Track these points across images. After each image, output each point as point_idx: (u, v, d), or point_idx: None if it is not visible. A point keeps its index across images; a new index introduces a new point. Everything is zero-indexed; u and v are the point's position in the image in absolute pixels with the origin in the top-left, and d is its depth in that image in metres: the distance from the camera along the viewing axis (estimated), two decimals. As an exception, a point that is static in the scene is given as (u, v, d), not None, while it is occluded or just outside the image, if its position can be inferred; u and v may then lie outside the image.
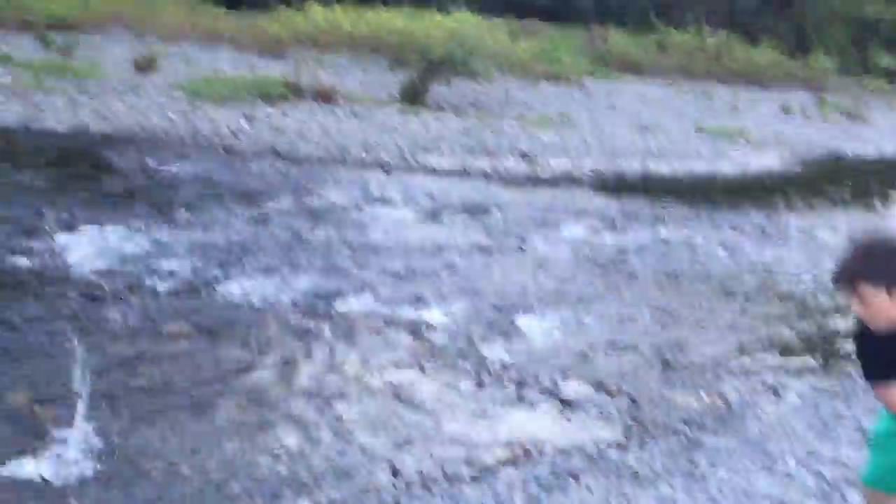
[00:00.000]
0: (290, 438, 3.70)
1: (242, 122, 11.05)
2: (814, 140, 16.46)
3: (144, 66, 13.55)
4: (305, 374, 4.39)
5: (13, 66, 12.50)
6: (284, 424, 3.83)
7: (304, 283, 5.76)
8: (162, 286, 5.43)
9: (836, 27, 30.26)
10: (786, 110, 19.90)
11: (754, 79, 23.82)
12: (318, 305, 5.39)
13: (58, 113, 10.61)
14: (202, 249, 6.23)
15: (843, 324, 5.87)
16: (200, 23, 17.62)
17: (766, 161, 13.75)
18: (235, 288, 5.53)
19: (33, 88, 11.40)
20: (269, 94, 12.55)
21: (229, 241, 6.52)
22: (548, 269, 6.73)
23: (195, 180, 8.42)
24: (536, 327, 5.40)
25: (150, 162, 8.95)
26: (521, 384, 4.42)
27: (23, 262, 5.63)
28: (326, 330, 5.00)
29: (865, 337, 2.29)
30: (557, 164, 11.52)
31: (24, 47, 14.60)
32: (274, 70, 14.67)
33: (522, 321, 5.47)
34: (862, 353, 2.34)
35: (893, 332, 2.21)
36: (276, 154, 9.99)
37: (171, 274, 5.67)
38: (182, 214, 7.12)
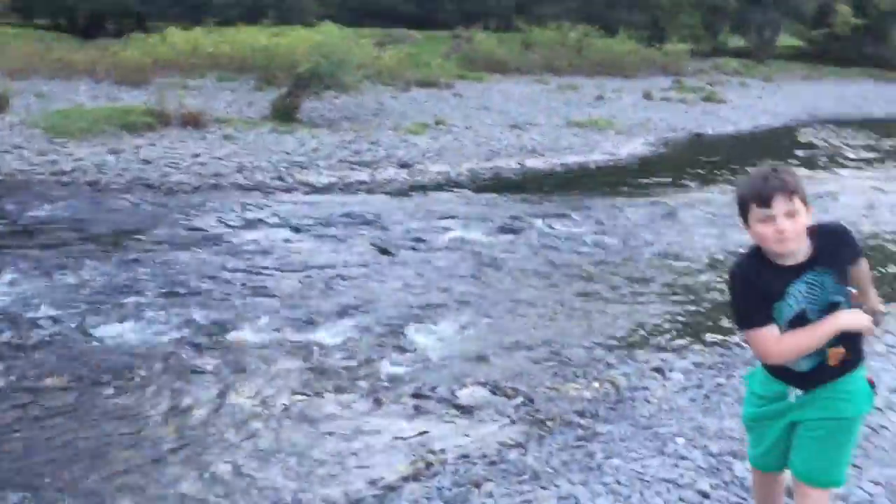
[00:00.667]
0: (186, 482, 3.59)
1: (107, 155, 10.62)
2: (676, 123, 17.22)
3: (-6, 105, 12.82)
4: (196, 412, 4.26)
5: None
6: (179, 467, 3.71)
7: (186, 318, 5.58)
8: (36, 338, 5.15)
9: (687, 13, 31.79)
10: (647, 96, 20.76)
11: (616, 69, 24.78)
12: (204, 340, 5.24)
13: None
14: (75, 295, 5.95)
15: (722, 300, 6.17)
16: (52, 55, 16.84)
17: (634, 147, 14.28)
18: (114, 331, 5.31)
19: None
20: (133, 125, 12.10)
21: (104, 282, 6.25)
22: (435, 277, 6.77)
23: (61, 222, 8.02)
24: (429, 337, 5.43)
25: (11, 207, 8.48)
26: (417, 396, 4.44)
27: None
28: (214, 364, 4.87)
29: (748, 277, 2.33)
30: (436, 169, 11.61)
31: None
32: (136, 99, 14.20)
33: (415, 332, 5.49)
34: (742, 296, 2.36)
35: (785, 265, 2.29)
36: (147, 186, 9.64)
37: (44, 324, 5.39)
38: (50, 260, 6.78)
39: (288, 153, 11.70)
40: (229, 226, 8.24)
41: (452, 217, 8.90)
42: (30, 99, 13.76)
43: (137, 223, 8.12)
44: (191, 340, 5.21)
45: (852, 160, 14.00)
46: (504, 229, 8.45)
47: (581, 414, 4.23)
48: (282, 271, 6.82)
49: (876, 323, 2.43)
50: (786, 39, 39.02)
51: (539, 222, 8.75)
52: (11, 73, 15.19)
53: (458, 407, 4.32)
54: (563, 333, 5.53)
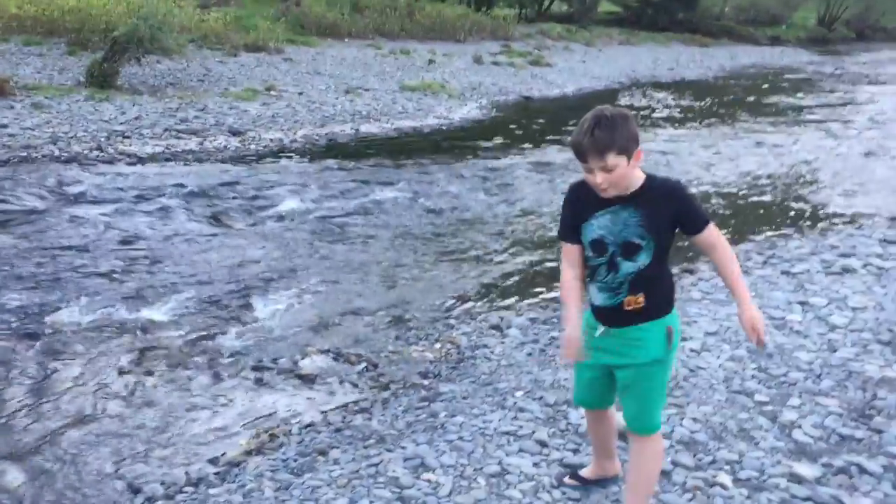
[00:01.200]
0: (10, 476, 3.34)
1: None
2: (505, 86, 17.63)
3: None
4: (14, 402, 3.97)
5: None
6: (5, 462, 3.45)
7: (4, 301, 5.17)
8: None
9: (513, -21, 32.36)
10: (478, 61, 21.08)
11: (447, 33, 24.97)
12: (20, 324, 4.87)
13: None
14: None
15: (555, 256, 6.41)
16: None
17: (468, 110, 14.50)
18: (-84, 322, 4.84)
19: None
20: (-74, 93, 10.97)
21: None
22: (272, 246, 6.63)
23: None
24: (268, 308, 5.32)
25: None
26: (258, 368, 4.35)
27: None
28: (33, 349, 4.55)
29: (571, 196, 2.57)
30: (269, 136, 11.30)
31: None
32: (-72, 64, 12.87)
33: (252, 304, 5.36)
34: (562, 211, 2.60)
35: (583, 195, 2.49)
36: (-54, 160, 8.79)
37: None
38: None
39: (107, 122, 11.00)
40: (44, 201, 7.68)
41: (287, 185, 8.71)
42: None
43: (-63, 201, 7.40)
44: (9, 325, 4.83)
45: (666, 118, 14.89)
46: (340, 196, 8.38)
47: (424, 375, 4.29)
48: (105, 248, 6.44)
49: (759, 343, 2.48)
50: (606, 6, 40.74)
51: (375, 188, 8.74)
52: None
53: (301, 377, 4.27)
54: (403, 297, 5.57)
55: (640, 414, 2.59)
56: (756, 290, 5.34)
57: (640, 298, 2.48)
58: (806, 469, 3.08)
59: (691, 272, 5.96)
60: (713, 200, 8.67)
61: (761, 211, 8.31)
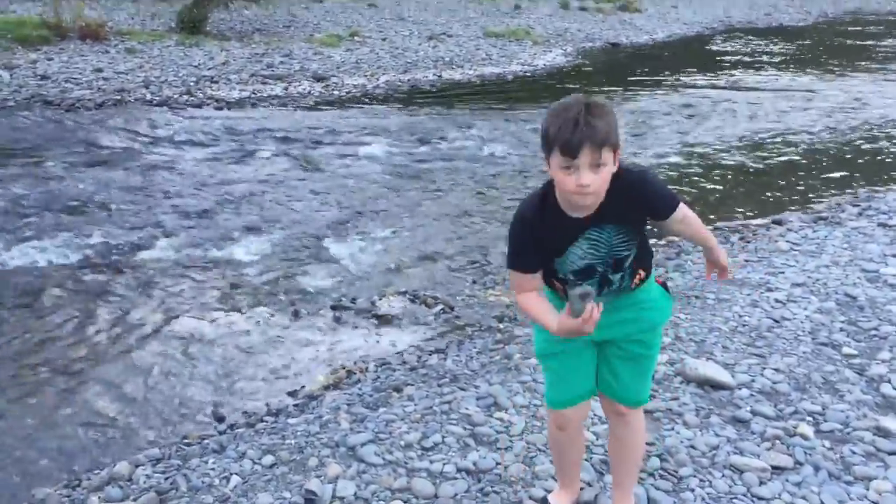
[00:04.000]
0: (101, 402, 3.52)
1: (1, 71, 10.00)
2: (592, 33, 17.19)
3: None
4: (106, 332, 4.16)
5: None
6: (92, 387, 3.63)
7: (94, 238, 5.39)
8: (-69, 264, 4.91)
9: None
10: (565, 6, 20.60)
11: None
12: (112, 259, 5.08)
13: None
14: (-27, 218, 5.67)
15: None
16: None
17: (552, 58, 14.22)
18: (18, 253, 5.09)
19: None
20: (27, 38, 11.40)
21: (5, 204, 5.96)
22: (353, 191, 6.69)
23: (-46, 142, 7.58)
24: (348, 249, 5.39)
25: None
26: (336, 308, 4.42)
27: None
28: (124, 283, 4.74)
29: (530, 223, 2.11)
30: (352, 82, 11.36)
31: None
32: (30, 10, 13.34)
33: (333, 246, 5.44)
34: (517, 238, 2.14)
35: (573, 216, 2.07)
36: (46, 103, 9.15)
37: (-60, 249, 5.13)
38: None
39: (196, 67, 11.24)
40: (136, 142, 7.94)
41: (369, 131, 8.76)
42: None
43: (38, 141, 7.73)
44: (99, 260, 5.05)
45: (762, 64, 14.28)
46: (422, 142, 8.37)
47: (500, 319, 4.29)
48: (193, 189, 6.62)
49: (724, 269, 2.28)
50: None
51: (456, 134, 8.70)
52: None
53: (378, 317, 4.33)
54: (480, 243, 5.56)
55: (644, 384, 2.31)
56: (849, 242, 5.13)
57: (642, 273, 2.21)
58: (893, 423, 2.96)
59: (780, 223, 5.75)
60: (805, 150, 8.31)
61: (859, 162, 7.93)
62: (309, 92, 10.67)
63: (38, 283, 4.69)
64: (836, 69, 14.25)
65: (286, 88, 10.74)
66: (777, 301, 4.13)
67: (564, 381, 2.32)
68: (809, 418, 3.02)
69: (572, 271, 2.12)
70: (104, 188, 6.48)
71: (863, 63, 15.04)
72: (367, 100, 10.50)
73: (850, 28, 22.29)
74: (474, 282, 4.88)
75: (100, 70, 10.53)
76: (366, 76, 11.78)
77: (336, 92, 10.77)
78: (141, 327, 4.22)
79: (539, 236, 2.08)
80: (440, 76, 12.23)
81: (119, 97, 9.59)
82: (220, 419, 3.38)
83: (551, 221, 2.07)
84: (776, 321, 3.89)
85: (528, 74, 12.80)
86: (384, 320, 4.30)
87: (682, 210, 2.19)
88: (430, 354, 3.86)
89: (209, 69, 11.21)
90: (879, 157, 8.12)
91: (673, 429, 2.92)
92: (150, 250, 5.28)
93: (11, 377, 3.70)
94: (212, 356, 3.93)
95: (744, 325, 3.83)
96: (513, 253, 2.15)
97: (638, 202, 2.09)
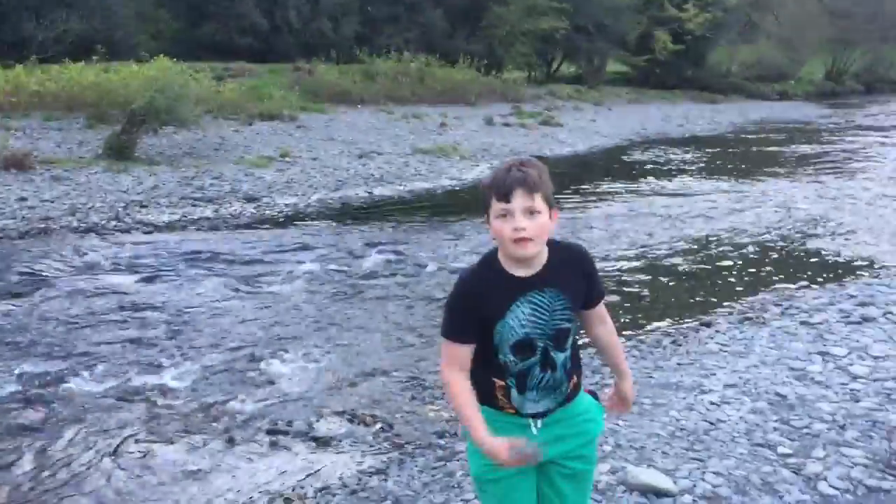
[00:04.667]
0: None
1: (-80, 203, 9.77)
2: (516, 147, 17.82)
3: None
4: (29, 472, 3.95)
5: None
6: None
7: (15, 370, 5.18)
8: None
9: (520, 42, 33.06)
10: (489, 122, 21.38)
11: (458, 96, 25.40)
12: (35, 392, 4.88)
13: None
14: None
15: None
16: None
17: (479, 171, 14.63)
18: (-67, 393, 4.85)
19: None
20: (-51, 169, 11.21)
21: (-81, 340, 5.72)
22: (287, 309, 6.64)
23: None
24: (283, 371, 5.30)
25: None
26: (273, 432, 4.31)
27: None
28: (47, 417, 4.54)
29: (471, 287, 2.10)
30: (284, 201, 11.44)
31: None
32: (-49, 141, 13.15)
33: (268, 367, 5.35)
34: (455, 303, 2.12)
35: (516, 276, 2.08)
36: (-33, 234, 8.93)
37: None
38: None
39: (125, 192, 11.19)
40: (62, 271, 7.76)
41: (303, 249, 8.78)
42: None
43: (-43, 274, 7.49)
44: (20, 394, 4.84)
45: (676, 171, 14.95)
46: (355, 257, 8.42)
47: (440, 435, 4.24)
48: (122, 315, 6.48)
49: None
50: (614, 66, 41.36)
51: (389, 249, 8.78)
52: None
53: (316, 439, 4.23)
54: (418, 358, 5.54)
55: (587, 499, 2.28)
56: (775, 342, 5.28)
57: (575, 378, 2.19)
58: (833, 522, 3.00)
59: (708, 325, 5.91)
60: (727, 251, 8.64)
61: (777, 261, 8.27)
62: (241, 213, 10.68)
63: (-46, 423, 4.46)
64: (748, 173, 15.02)
65: (217, 210, 10.74)
66: (711, 403, 4.21)
67: None
68: (752, 521, 3.04)
69: (511, 346, 2.07)
70: (27, 318, 6.28)
71: (772, 166, 15.91)
72: (299, 218, 10.57)
73: (758, 136, 23.66)
74: (413, 398, 4.84)
75: (24, 199, 10.38)
76: (297, 195, 11.89)
77: (268, 212, 10.82)
78: (66, 467, 4.02)
79: (478, 295, 2.06)
80: (371, 192, 12.43)
81: (44, 225, 9.43)
82: (152, 559, 3.20)
83: (493, 281, 2.07)
84: (712, 423, 3.95)
85: (457, 188, 13.11)
86: (322, 442, 4.21)
87: (604, 309, 2.23)
88: (370, 476, 3.77)
89: (138, 194, 11.16)
90: (796, 255, 8.49)
91: (619, 540, 2.89)
92: (77, 381, 5.09)
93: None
94: (142, 492, 3.75)
95: (681, 430, 3.88)
96: (448, 319, 2.11)
97: (580, 270, 2.13)
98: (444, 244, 9.08)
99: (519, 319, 2.07)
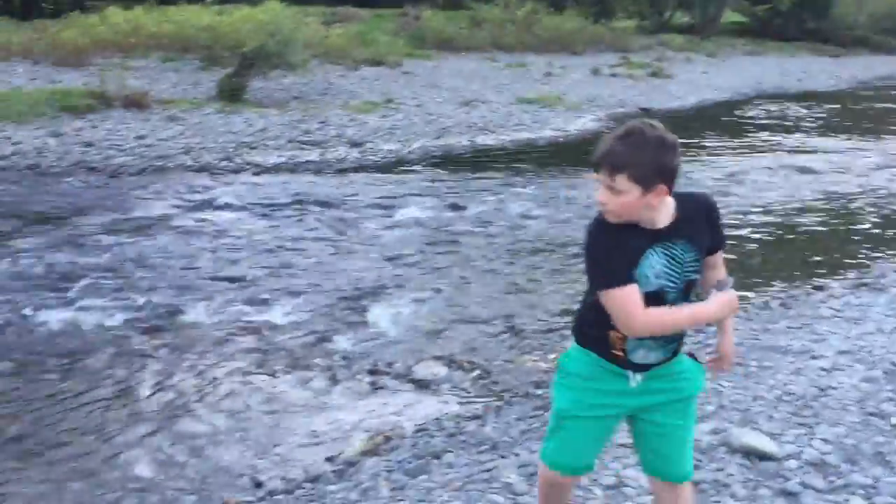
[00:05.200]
0: (140, 466, 3.52)
1: (48, 138, 10.31)
2: (623, 98, 17.34)
3: (-74, 89, 12.34)
4: (145, 396, 4.18)
5: None
6: (131, 451, 3.63)
7: (133, 301, 5.46)
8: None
9: (632, -10, 31.90)
10: (596, 73, 20.84)
11: (564, 45, 24.83)
12: (152, 322, 5.13)
13: None
14: (18, 280, 5.78)
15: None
16: (-12, 37, 16.26)
17: (584, 122, 14.35)
18: (59, 316, 5.17)
19: None
20: (73, 107, 11.74)
21: (49, 267, 6.08)
22: (389, 254, 6.73)
23: (1, 207, 7.78)
24: (384, 314, 5.40)
25: (-54, 193, 8.19)
26: (374, 373, 4.41)
27: None
28: (163, 346, 4.78)
29: (606, 231, 2.06)
30: (387, 147, 11.52)
31: None
32: (76, 80, 13.78)
33: (370, 309, 5.46)
34: (600, 250, 2.06)
35: (620, 227, 2.05)
36: (90, 169, 9.38)
37: (-14, 311, 5.23)
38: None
39: (235, 133, 11.49)
40: (177, 208, 8.08)
41: (404, 195, 8.85)
42: (-36, 82, 13.29)
43: (81, 207, 7.91)
44: (138, 323, 5.10)
45: (794, 129, 14.27)
46: (455, 206, 8.43)
47: (538, 385, 4.25)
48: (231, 252, 6.71)
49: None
50: (730, 15, 39.53)
51: (490, 199, 8.75)
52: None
53: (415, 381, 4.31)
54: (516, 307, 5.54)
55: (686, 457, 2.25)
56: (894, 309, 5.03)
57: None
58: (950, 499, 2.86)
59: (821, 288, 5.68)
60: (844, 213, 8.23)
61: (899, 227, 7.84)
62: (345, 157, 10.83)
63: (80, 346, 4.75)
64: (871, 132, 14.20)
65: (322, 154, 10.91)
66: (822, 369, 4.06)
67: (577, 448, 2.24)
68: (861, 491, 2.93)
69: (643, 296, 2.01)
70: (144, 252, 6.58)
71: (898, 127, 14.99)
72: (402, 164, 10.63)
73: (887, 93, 22.29)
74: (511, 347, 4.86)
75: (142, 137, 10.81)
76: (400, 141, 11.95)
77: (371, 157, 10.93)
78: (180, 392, 4.23)
79: (618, 240, 2.02)
80: (473, 141, 12.37)
81: (161, 163, 9.81)
82: (259, 485, 3.36)
83: (624, 232, 2.03)
84: (822, 390, 3.81)
85: (560, 139, 12.91)
86: (421, 385, 4.28)
87: (721, 257, 2.23)
88: (468, 420, 3.82)
89: (248, 135, 11.45)
90: (920, 222, 8.02)
91: (720, 502, 2.84)
92: (188, 314, 5.32)
93: (53, 439, 3.72)
94: (250, 421, 3.92)
95: (789, 394, 3.76)
96: (604, 269, 2.01)
97: (707, 219, 2.12)
98: (544, 196, 8.98)
99: (653, 269, 2.05)
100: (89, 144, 10.20)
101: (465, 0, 26.35)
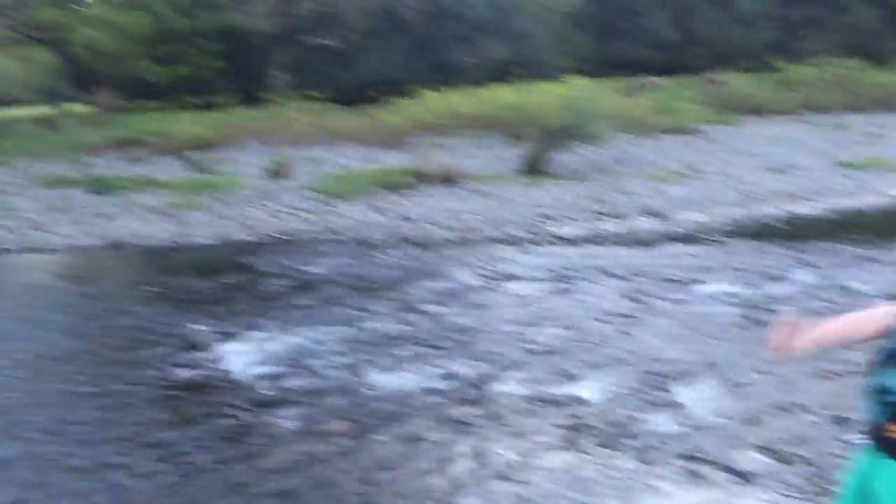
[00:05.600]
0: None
1: (372, 213, 11.41)
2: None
3: (277, 172, 14.30)
4: (462, 465, 4.35)
5: (160, 188, 13.48)
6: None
7: (449, 369, 5.76)
8: (317, 385, 5.57)
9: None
10: (929, 131, 18.74)
11: (887, 103, 22.69)
12: (467, 392, 5.37)
13: (203, 227, 11.31)
14: (351, 344, 6.38)
15: None
16: (324, 124, 18.52)
17: (917, 188, 12.92)
18: (386, 380, 5.61)
19: (180, 207, 12.22)
20: (394, 184, 12.93)
21: (376, 333, 6.65)
22: (696, 331, 6.48)
23: (334, 276, 8.69)
24: (694, 395, 5.17)
25: (291, 263, 9.34)
26: (689, 458, 4.22)
27: (186, 373, 5.92)
28: (477, 416, 4.96)
29: None
30: (690, 217, 11.22)
31: (168, 169, 15.78)
32: (396, 160, 15.17)
33: (679, 389, 5.26)
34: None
35: None
36: (407, 241, 10.21)
37: (325, 372, 5.82)
38: (328, 312, 7.34)
39: (537, 206, 11.88)
40: (485, 278, 8.47)
41: (710, 267, 8.51)
42: (306, 165, 15.18)
43: (401, 276, 8.59)
44: (455, 392, 5.37)
45: None
46: (768, 280, 7.92)
47: (877, 487, 3.79)
48: (537, 324, 6.85)
49: None
50: None
51: (807, 273, 8.11)
52: (291, 142, 16.90)
53: (736, 472, 4.05)
54: (842, 392, 5.02)
55: None
56: None
57: None
58: None
59: None
60: None
61: None
62: (646, 228, 10.72)
63: (401, 411, 5.10)
64: None
65: (622, 224, 10.91)
66: None
67: None
68: None
69: None
70: (457, 321, 6.95)
71: None
72: (706, 235, 10.27)
73: None
74: (842, 439, 4.40)
75: (453, 210, 11.57)
76: (704, 211, 11.60)
77: (674, 227, 10.70)
78: (491, 461, 4.36)
79: None
80: (785, 209, 11.64)
81: (469, 235, 10.41)
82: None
83: None
84: None
85: (890, 207, 11.70)
86: (742, 477, 4.01)
87: None
88: (798, 521, 3.51)
89: (549, 207, 11.78)
90: None
91: None
92: (499, 384, 5.50)
93: (373, 501, 3.99)
94: (560, 498, 3.92)
95: None
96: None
97: None
98: (873, 269, 8.14)
99: None
100: (408, 218, 11.11)
101: (772, 61, 25.17)
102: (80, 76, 26.40)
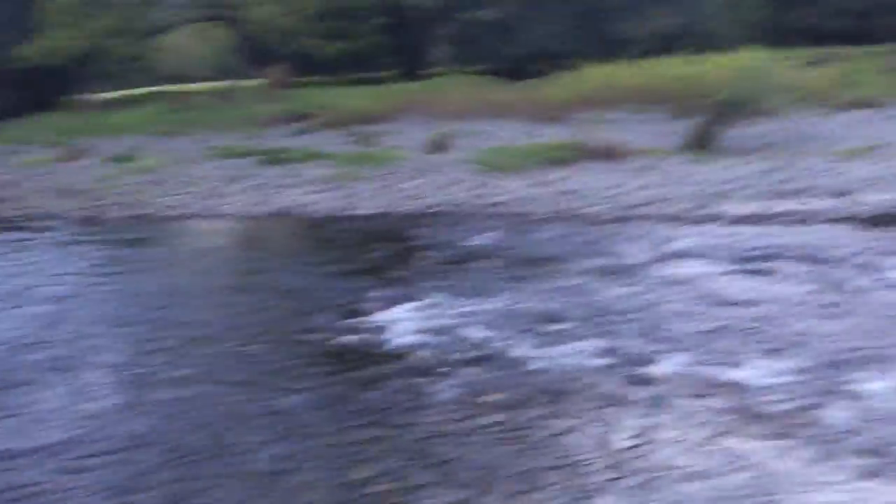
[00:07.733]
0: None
1: (533, 188, 11.31)
2: None
3: (438, 145, 14.47)
4: (621, 444, 4.23)
5: (325, 160, 13.99)
6: (611, 497, 3.70)
7: (609, 346, 5.62)
8: (475, 356, 5.59)
9: None
10: None
11: None
12: (626, 370, 5.22)
13: (366, 198, 11.63)
14: (508, 318, 6.36)
15: None
16: (485, 98, 18.55)
17: None
18: (543, 354, 5.54)
19: (344, 179, 12.62)
20: (555, 158, 12.76)
21: (533, 307, 6.59)
22: (882, 319, 5.98)
23: (495, 249, 8.70)
24: (879, 386, 4.78)
25: (451, 235, 9.43)
26: (874, 454, 3.90)
27: (350, 339, 6.10)
28: (637, 395, 4.82)
29: None
30: (877, 197, 10.37)
31: (333, 141, 16.34)
32: (557, 134, 14.97)
33: (861, 380, 4.88)
34: None
35: None
36: (569, 216, 10.05)
37: (482, 343, 5.83)
38: (486, 285, 7.36)
39: (706, 183, 11.37)
40: (648, 256, 8.20)
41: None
42: (466, 138, 15.27)
43: (561, 252, 8.48)
44: (614, 370, 5.23)
45: None
46: (968, 266, 7.21)
47: None
48: (702, 305, 6.56)
49: None
50: None
51: None
52: (452, 115, 17.05)
53: (923, 473, 3.71)
54: None
55: None
56: None
57: None
58: None
59: None
60: None
61: None
62: (826, 207, 10.00)
63: (558, 386, 5.03)
64: None
65: (800, 203, 10.23)
66: None
67: None
68: None
69: None
70: (617, 299, 6.78)
71: None
72: (893, 217, 9.47)
73: None
74: None
75: (615, 186, 11.27)
76: (891, 192, 10.67)
77: (858, 208, 9.92)
78: (653, 443, 4.22)
79: None
80: None
81: (632, 212, 10.11)
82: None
83: None
84: None
85: None
86: (931, 479, 3.67)
87: None
88: None
89: (718, 184, 11.24)
90: None
91: None
92: (660, 365, 5.31)
93: (527, 474, 3.95)
94: (729, 487, 3.73)
95: None
96: None
97: None
98: None
99: None
100: (568, 193, 10.94)
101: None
102: (254, 53, 27.76)
